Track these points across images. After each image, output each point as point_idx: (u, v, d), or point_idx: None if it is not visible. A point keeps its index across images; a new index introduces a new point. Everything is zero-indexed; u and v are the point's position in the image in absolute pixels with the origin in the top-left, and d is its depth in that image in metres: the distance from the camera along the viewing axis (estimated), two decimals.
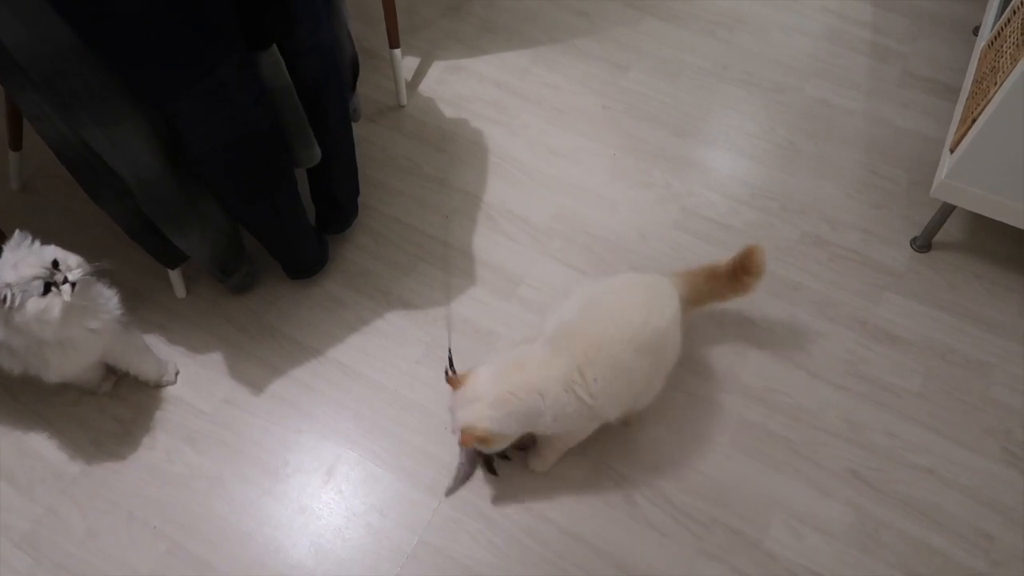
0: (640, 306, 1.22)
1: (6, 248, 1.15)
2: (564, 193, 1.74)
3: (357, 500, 1.35)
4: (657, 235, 1.67)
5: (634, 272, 1.32)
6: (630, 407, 1.29)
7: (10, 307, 1.11)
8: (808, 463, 1.39)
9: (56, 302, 1.13)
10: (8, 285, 1.10)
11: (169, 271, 1.54)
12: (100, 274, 1.22)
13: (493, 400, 1.14)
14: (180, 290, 1.58)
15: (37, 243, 1.16)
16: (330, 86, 1.36)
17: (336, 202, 1.58)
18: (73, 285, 1.15)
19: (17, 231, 1.16)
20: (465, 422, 1.14)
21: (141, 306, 1.57)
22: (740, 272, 1.33)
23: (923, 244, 1.65)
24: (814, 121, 1.88)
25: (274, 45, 1.19)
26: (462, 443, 1.16)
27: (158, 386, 1.47)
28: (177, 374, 1.48)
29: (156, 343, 1.52)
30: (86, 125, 1.14)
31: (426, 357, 1.50)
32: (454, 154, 1.81)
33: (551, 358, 1.19)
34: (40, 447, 1.40)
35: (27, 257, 1.13)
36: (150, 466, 1.38)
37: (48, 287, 1.13)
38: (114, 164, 1.20)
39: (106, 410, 1.44)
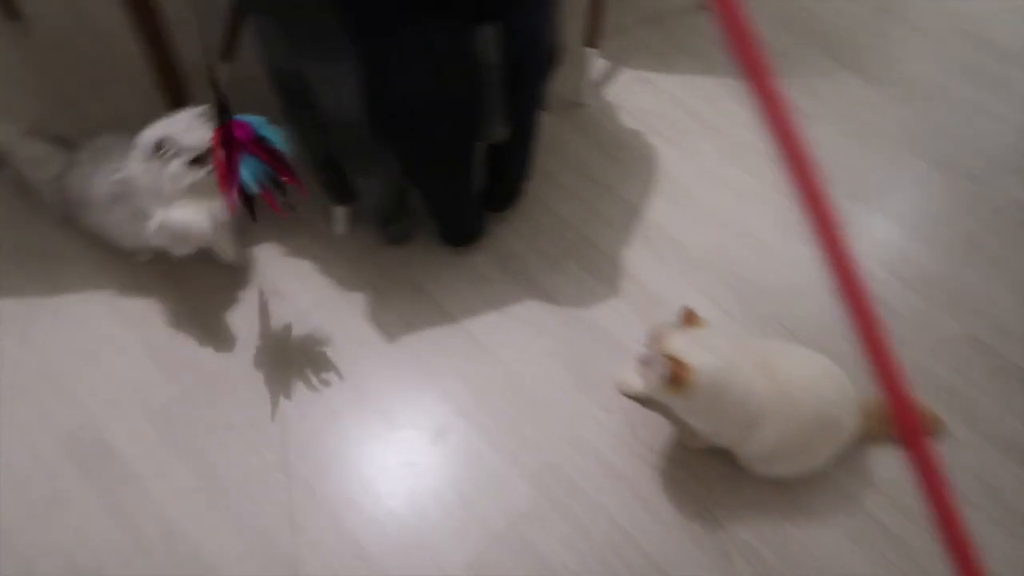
0: (829, 387, 1.27)
1: (188, 111, 1.30)
2: (725, 228, 1.72)
3: (458, 468, 1.38)
4: (812, 298, 1.63)
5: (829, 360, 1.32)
6: (765, 456, 1.29)
7: (160, 156, 1.26)
8: (919, 572, 1.33)
9: (195, 175, 1.28)
10: (171, 139, 1.26)
11: (335, 207, 1.61)
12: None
13: (717, 352, 1.17)
14: (341, 227, 1.65)
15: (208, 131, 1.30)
16: (531, 71, 1.39)
17: (506, 182, 1.61)
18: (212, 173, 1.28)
19: (206, 105, 1.30)
20: (682, 353, 1.15)
21: (300, 231, 1.64)
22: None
23: None
24: (1004, 220, 1.79)
25: (491, 24, 1.23)
26: (673, 373, 1.15)
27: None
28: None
29: (308, 270, 1.60)
30: (308, 59, 1.21)
31: (557, 352, 1.52)
32: (624, 163, 1.82)
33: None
34: (189, 337, 1.49)
35: (199, 129, 1.29)
36: (275, 379, 1.45)
37: (197, 161, 1.28)
38: (322, 98, 1.26)
39: (252, 317, 1.52)
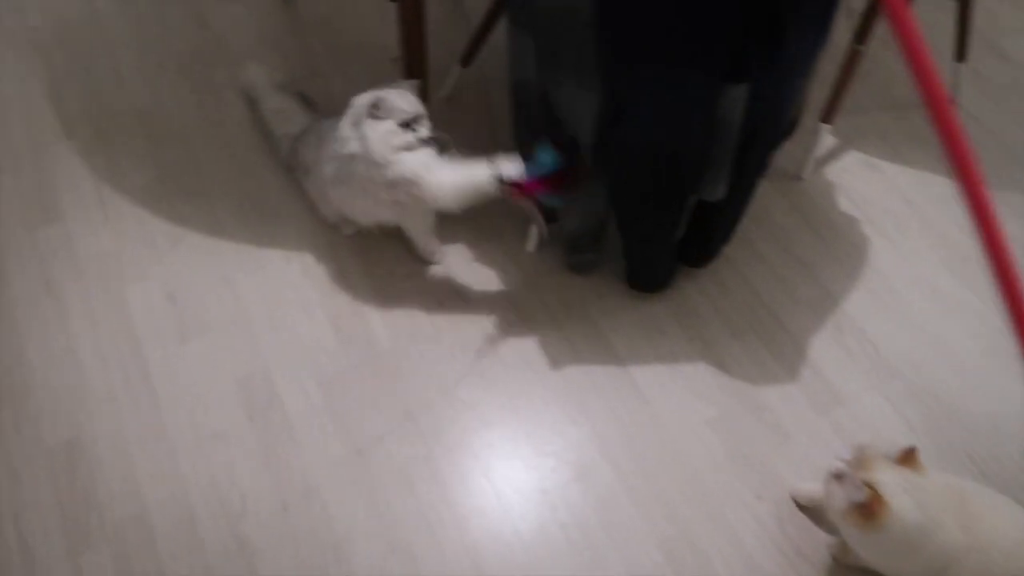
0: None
1: (404, 85, 1.41)
2: (927, 340, 1.60)
3: (593, 511, 1.36)
4: (1014, 438, 1.47)
5: None
6: None
7: (371, 114, 1.35)
8: None
9: (405, 137, 1.36)
10: (384, 100, 1.34)
11: (531, 226, 1.63)
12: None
13: (923, 503, 1.08)
14: (532, 245, 1.68)
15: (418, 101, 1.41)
16: (765, 136, 1.35)
17: (706, 240, 1.58)
18: (422, 140, 1.39)
19: (416, 80, 1.43)
20: (885, 488, 1.07)
21: (491, 240, 1.68)
22: None
23: None
24: None
25: (745, 84, 1.20)
26: (867, 504, 1.07)
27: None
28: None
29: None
30: (557, 80, 1.23)
31: (718, 423, 1.46)
32: (831, 247, 1.73)
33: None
34: (369, 314, 1.56)
35: (412, 100, 1.38)
36: (440, 376, 1.49)
37: (406, 126, 1.37)
38: (555, 119, 1.28)
39: (430, 310, 1.57)
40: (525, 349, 1.54)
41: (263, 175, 1.76)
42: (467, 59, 1.86)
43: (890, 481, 1.08)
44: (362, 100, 1.39)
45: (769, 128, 1.32)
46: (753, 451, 1.43)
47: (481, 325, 1.57)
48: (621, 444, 1.43)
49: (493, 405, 1.46)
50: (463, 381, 1.49)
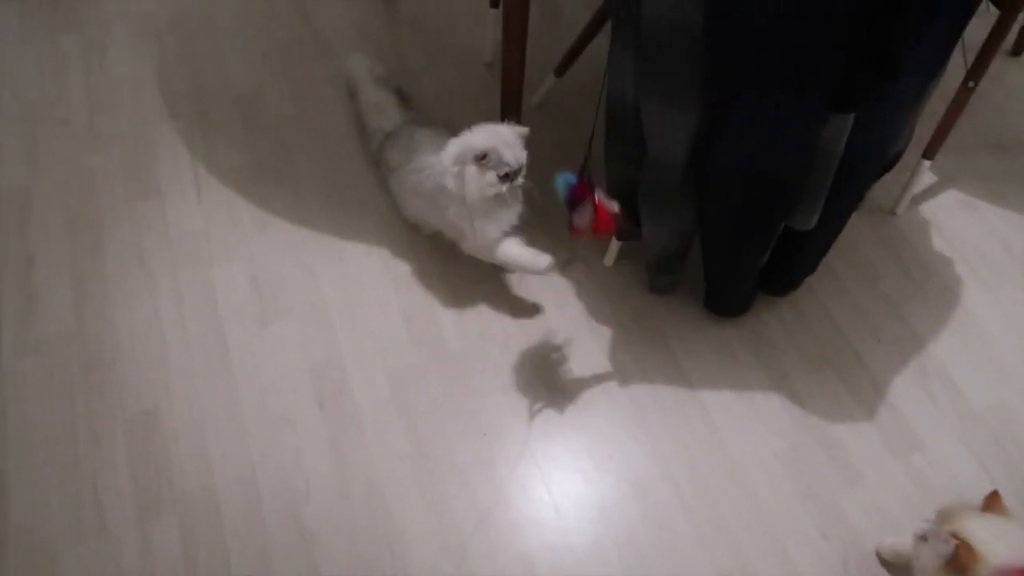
0: None
1: (512, 127, 1.40)
2: (1018, 390, 1.52)
3: (649, 532, 1.34)
4: None
5: None
6: None
7: (477, 163, 1.36)
8: None
9: (500, 187, 1.36)
10: (496, 152, 1.36)
11: (614, 240, 1.62)
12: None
13: (1015, 548, 1.04)
14: (610, 260, 1.67)
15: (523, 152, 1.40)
16: (866, 169, 1.32)
17: (790, 269, 1.54)
18: (516, 186, 1.40)
19: (526, 128, 1.40)
20: (976, 540, 1.03)
21: (583, 254, 1.68)
22: None
23: None
24: None
25: (852, 114, 1.17)
26: (958, 558, 1.03)
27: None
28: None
29: (566, 290, 1.63)
30: (653, 97, 1.22)
31: (787, 456, 1.43)
32: (920, 286, 1.67)
33: None
34: (442, 314, 1.58)
35: (517, 147, 1.38)
36: (506, 382, 1.49)
37: (506, 177, 1.37)
38: (650, 137, 1.27)
39: (502, 315, 1.57)
40: (594, 363, 1.53)
41: (350, 169, 1.79)
42: (562, 69, 1.87)
43: (978, 531, 1.03)
44: (474, 141, 1.38)
45: (871, 161, 1.28)
46: (821, 488, 1.39)
47: (551, 335, 1.56)
48: (683, 467, 1.41)
49: (557, 416, 1.46)
50: (529, 390, 1.49)
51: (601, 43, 1.45)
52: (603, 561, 1.31)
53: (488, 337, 1.55)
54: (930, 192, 1.83)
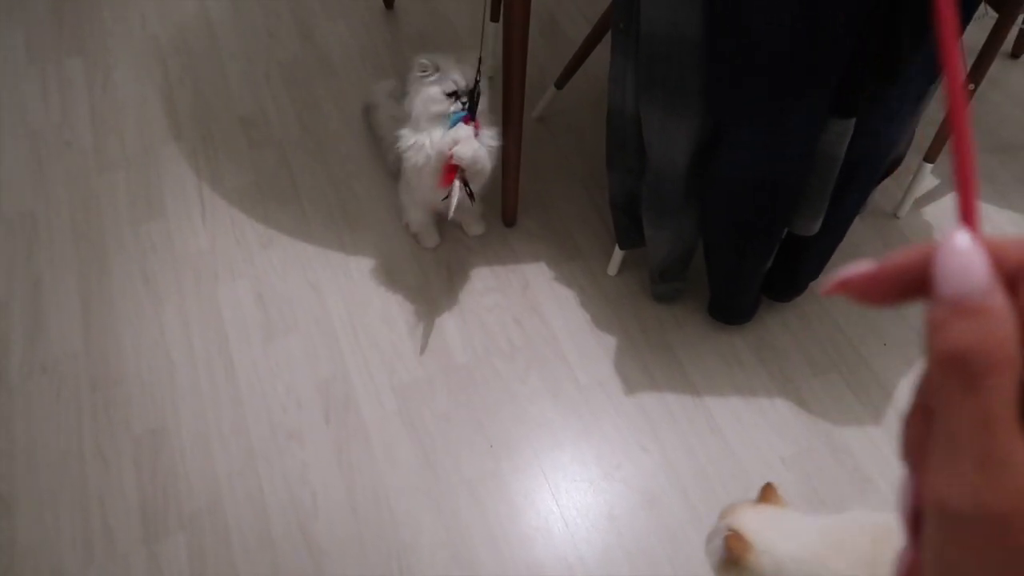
0: None
1: (478, 64, 1.42)
2: None
3: (659, 541, 1.33)
4: None
5: None
6: None
7: (421, 77, 1.39)
8: None
9: (446, 105, 1.39)
10: (435, 64, 1.38)
11: (617, 249, 1.63)
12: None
13: (797, 536, 1.02)
14: (614, 268, 1.67)
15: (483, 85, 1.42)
16: (866, 173, 1.32)
17: (794, 274, 1.54)
18: (464, 104, 1.40)
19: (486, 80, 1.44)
20: (748, 529, 1.01)
21: (573, 260, 1.68)
22: None
23: None
24: None
25: (853, 119, 1.17)
26: (729, 548, 1.01)
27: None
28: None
29: (569, 298, 1.63)
30: (652, 106, 1.23)
31: (794, 461, 1.42)
32: None
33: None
34: (446, 328, 1.58)
35: (466, 70, 1.41)
36: (513, 393, 1.49)
37: (453, 96, 1.39)
38: (650, 146, 1.28)
39: (507, 326, 1.58)
40: (600, 372, 1.53)
41: (353, 186, 1.80)
42: (562, 81, 1.88)
43: (750, 521, 1.01)
44: (429, 59, 1.42)
45: (872, 165, 1.29)
46: (830, 493, 1.38)
47: (556, 345, 1.56)
48: (692, 474, 1.40)
49: (564, 426, 1.46)
50: (536, 400, 1.49)
51: (602, 55, 1.46)
52: (612, 570, 1.30)
53: (494, 349, 1.56)
54: (932, 195, 1.83)
